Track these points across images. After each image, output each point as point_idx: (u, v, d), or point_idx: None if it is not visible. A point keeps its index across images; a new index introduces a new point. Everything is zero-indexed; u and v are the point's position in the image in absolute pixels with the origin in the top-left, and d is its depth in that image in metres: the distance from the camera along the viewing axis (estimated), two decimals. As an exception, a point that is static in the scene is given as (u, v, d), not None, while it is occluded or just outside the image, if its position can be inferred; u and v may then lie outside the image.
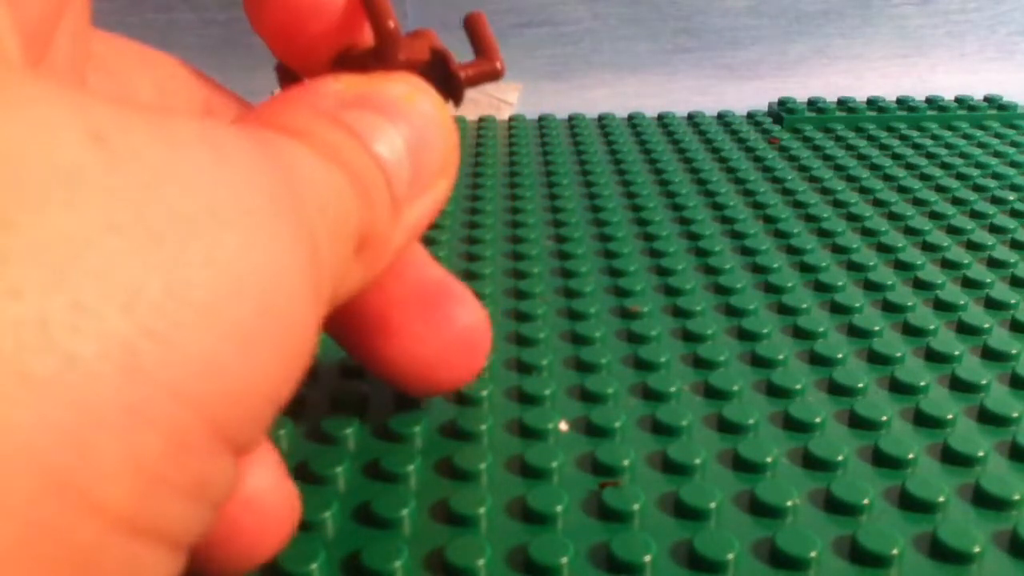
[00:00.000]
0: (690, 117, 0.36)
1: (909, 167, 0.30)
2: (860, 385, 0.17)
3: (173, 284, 0.07)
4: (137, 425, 0.07)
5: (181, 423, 0.07)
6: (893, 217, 0.26)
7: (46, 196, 0.07)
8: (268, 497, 0.11)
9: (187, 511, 0.08)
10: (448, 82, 0.14)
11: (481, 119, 0.36)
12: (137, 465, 0.07)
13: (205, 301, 0.08)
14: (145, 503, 0.07)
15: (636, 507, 0.14)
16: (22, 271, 0.07)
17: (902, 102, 0.36)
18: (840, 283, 0.21)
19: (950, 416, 0.16)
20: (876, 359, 0.18)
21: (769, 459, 0.15)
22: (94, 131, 0.08)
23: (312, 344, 0.09)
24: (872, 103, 0.36)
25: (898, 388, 0.17)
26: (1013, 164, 0.30)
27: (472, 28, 0.15)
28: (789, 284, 0.21)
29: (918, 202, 0.27)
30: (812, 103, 0.36)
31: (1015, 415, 0.16)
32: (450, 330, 0.15)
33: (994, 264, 0.22)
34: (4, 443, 0.06)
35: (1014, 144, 0.32)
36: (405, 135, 0.12)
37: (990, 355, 0.18)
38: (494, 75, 0.15)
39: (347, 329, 0.15)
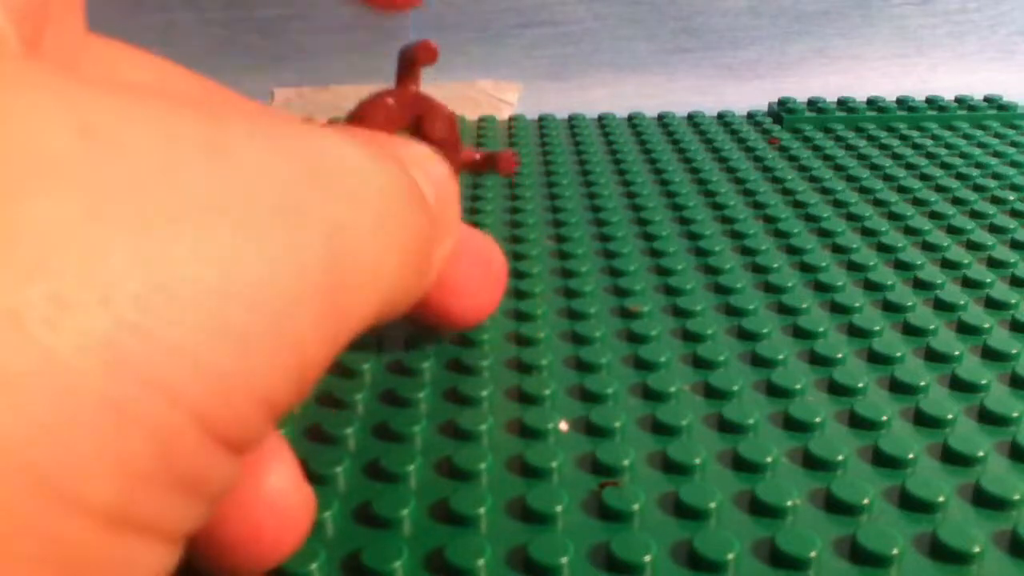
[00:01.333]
0: (690, 117, 0.36)
1: (909, 167, 0.30)
2: (860, 385, 0.17)
3: (158, 278, 0.07)
4: (120, 422, 0.07)
5: (167, 420, 0.07)
6: (893, 217, 0.26)
7: (25, 184, 0.07)
8: (289, 498, 0.11)
9: (180, 507, 0.08)
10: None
11: (481, 119, 0.36)
12: (121, 462, 0.07)
13: (192, 297, 0.07)
14: (133, 499, 0.07)
15: (636, 507, 0.14)
16: None
17: (902, 102, 0.36)
18: (840, 283, 0.21)
19: (950, 416, 0.16)
20: (876, 359, 0.18)
21: (769, 459, 0.15)
22: (84, 121, 0.07)
23: (320, 351, 0.09)
24: (872, 103, 0.36)
25: (898, 388, 0.17)
26: (1013, 164, 0.30)
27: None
28: (789, 284, 0.21)
29: (918, 202, 0.27)
30: (812, 103, 0.36)
31: (1015, 415, 0.16)
32: (492, 273, 0.17)
33: (994, 264, 0.22)
34: None
35: (1014, 144, 0.32)
36: (434, 185, 0.13)
37: (990, 355, 0.18)
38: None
39: None
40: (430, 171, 0.13)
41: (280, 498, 0.11)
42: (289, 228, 0.08)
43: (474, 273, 0.16)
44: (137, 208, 0.07)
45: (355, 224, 0.09)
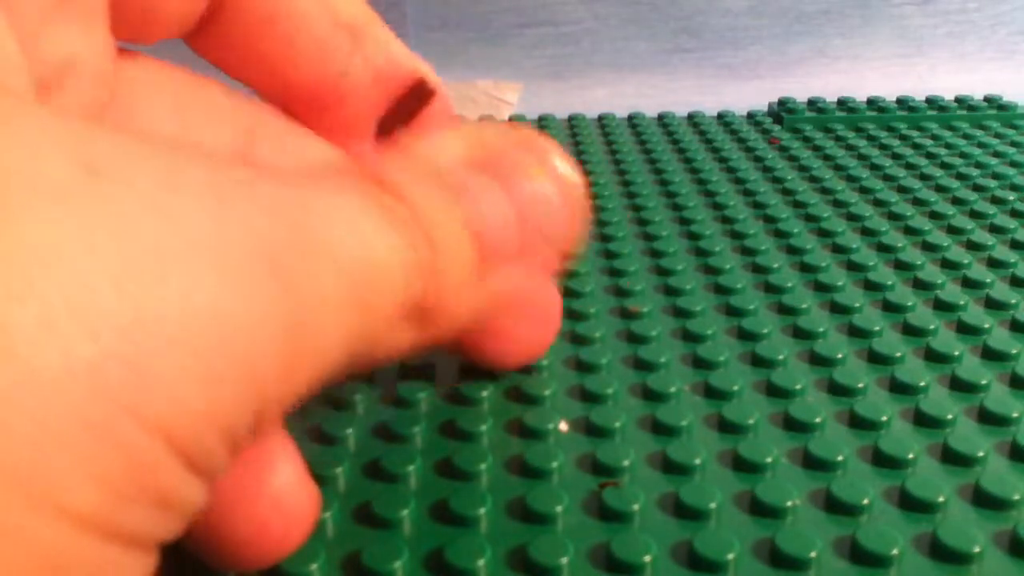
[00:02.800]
0: (690, 117, 0.36)
1: (909, 167, 0.30)
2: (860, 385, 0.17)
3: (146, 313, 0.08)
4: (98, 441, 0.07)
5: (141, 444, 0.08)
6: (893, 217, 0.26)
7: (26, 210, 0.07)
8: (294, 496, 0.12)
9: (155, 520, 0.08)
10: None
11: (481, 119, 0.36)
12: (101, 476, 0.07)
13: (176, 334, 0.08)
14: (112, 510, 0.08)
15: (636, 507, 0.14)
16: None
17: (902, 102, 0.36)
18: (840, 283, 0.21)
19: (950, 416, 0.16)
20: (876, 359, 0.18)
21: (769, 459, 0.15)
22: (89, 161, 0.08)
23: (279, 393, 0.09)
24: (872, 103, 0.36)
25: (898, 388, 0.17)
26: (1013, 164, 0.30)
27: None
28: (789, 284, 0.21)
29: (918, 202, 0.27)
30: (812, 103, 0.36)
31: (1015, 415, 0.16)
32: (544, 321, 0.17)
33: (994, 264, 0.22)
34: None
35: (1014, 144, 0.32)
36: (517, 204, 0.12)
37: (990, 355, 0.18)
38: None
39: None
40: (524, 186, 0.12)
41: (286, 496, 0.12)
42: (265, 282, 0.09)
43: (525, 321, 0.16)
44: (133, 245, 0.08)
45: (323, 287, 0.10)
